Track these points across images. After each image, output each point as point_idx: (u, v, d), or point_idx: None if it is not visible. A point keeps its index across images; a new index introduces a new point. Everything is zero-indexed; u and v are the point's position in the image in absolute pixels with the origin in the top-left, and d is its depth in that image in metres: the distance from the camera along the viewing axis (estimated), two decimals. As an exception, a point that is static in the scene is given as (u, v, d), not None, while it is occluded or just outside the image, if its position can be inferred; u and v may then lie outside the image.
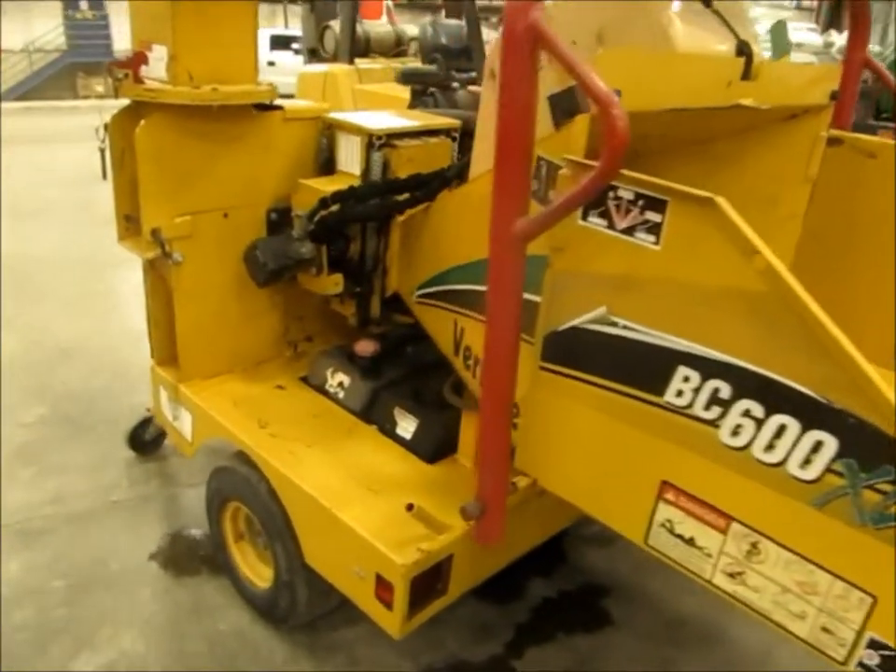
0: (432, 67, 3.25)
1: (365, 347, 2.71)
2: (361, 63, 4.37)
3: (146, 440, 3.52)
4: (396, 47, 5.66)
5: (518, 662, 2.49)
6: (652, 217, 1.39)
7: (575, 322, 1.55)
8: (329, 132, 2.64)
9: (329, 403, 2.66)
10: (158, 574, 2.82)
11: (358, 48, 4.62)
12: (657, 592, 2.83)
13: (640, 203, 1.41)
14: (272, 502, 2.35)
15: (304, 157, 2.68)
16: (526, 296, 1.68)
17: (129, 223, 2.56)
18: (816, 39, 16.37)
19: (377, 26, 4.93)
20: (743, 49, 1.90)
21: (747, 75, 1.91)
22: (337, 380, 2.69)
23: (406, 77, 3.18)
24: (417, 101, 3.12)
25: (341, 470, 2.29)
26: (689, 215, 1.34)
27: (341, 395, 2.66)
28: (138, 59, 2.28)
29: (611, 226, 1.46)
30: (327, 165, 2.67)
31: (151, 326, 2.77)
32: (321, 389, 2.72)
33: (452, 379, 2.40)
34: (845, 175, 2.37)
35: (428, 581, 2.04)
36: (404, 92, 3.30)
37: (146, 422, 3.48)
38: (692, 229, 1.35)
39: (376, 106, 2.71)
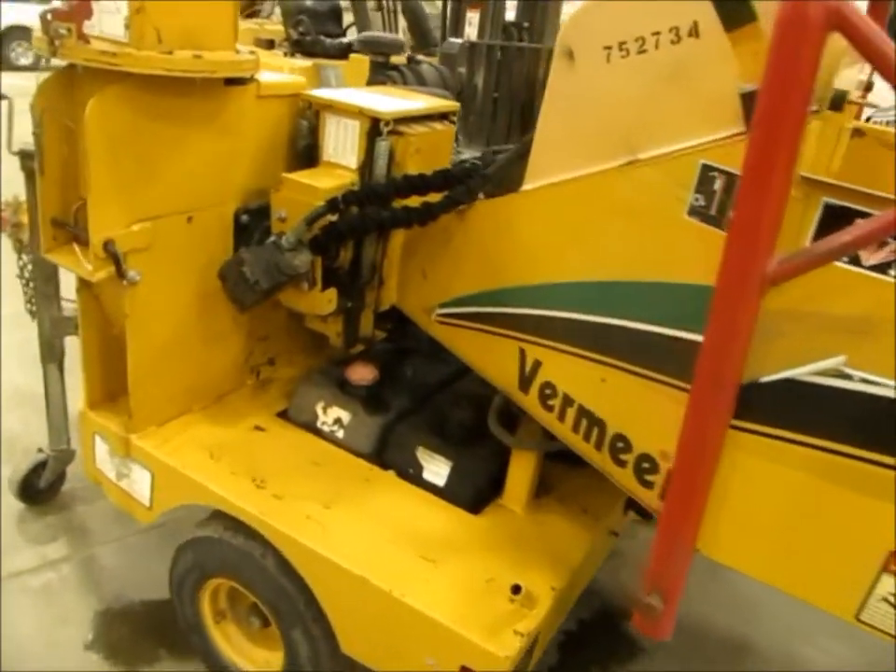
0: (395, 35, 2.78)
1: (362, 374, 2.27)
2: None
3: (40, 487, 2.81)
4: (250, 6, 5.09)
5: (566, 713, 2.25)
6: (919, 252, 1.16)
7: (790, 373, 1.28)
8: (310, 113, 2.13)
9: (327, 446, 2.20)
10: (103, 670, 2.22)
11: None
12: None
13: (903, 235, 1.16)
14: (286, 581, 1.89)
15: (277, 144, 2.15)
16: (682, 334, 1.40)
17: (58, 230, 1.90)
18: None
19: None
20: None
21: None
22: (332, 416, 2.23)
23: (364, 45, 2.69)
24: (380, 75, 2.65)
25: (379, 537, 1.88)
26: (974, 251, 1.12)
27: (340, 434, 2.20)
28: (81, 9, 1.65)
29: (855, 261, 1.21)
30: (306, 154, 2.16)
31: (83, 360, 2.12)
32: (312, 428, 2.24)
33: (496, 410, 2.05)
34: (867, 168, 2.29)
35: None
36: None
37: (40, 466, 2.78)
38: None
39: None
